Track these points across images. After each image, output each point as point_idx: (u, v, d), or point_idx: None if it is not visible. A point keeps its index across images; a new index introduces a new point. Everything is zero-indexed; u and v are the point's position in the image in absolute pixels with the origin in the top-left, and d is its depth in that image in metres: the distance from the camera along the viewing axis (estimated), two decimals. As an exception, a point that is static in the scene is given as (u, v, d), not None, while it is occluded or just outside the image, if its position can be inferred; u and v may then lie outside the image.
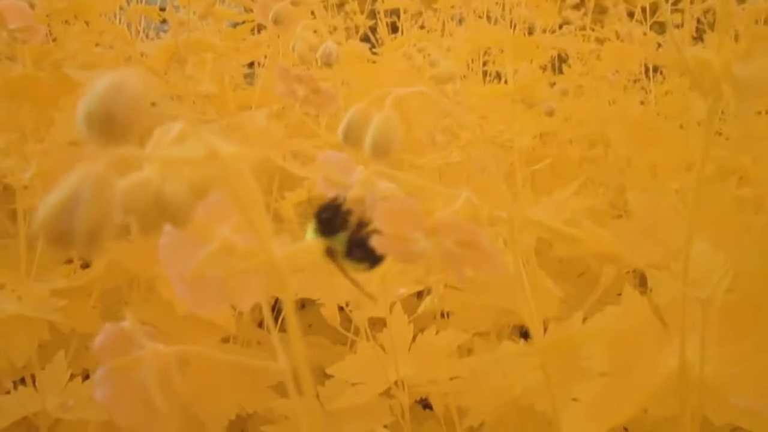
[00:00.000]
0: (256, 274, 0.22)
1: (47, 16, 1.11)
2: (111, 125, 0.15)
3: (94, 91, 0.15)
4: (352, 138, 0.27)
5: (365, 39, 1.66)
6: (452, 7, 1.26)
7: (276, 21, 0.49)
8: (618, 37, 1.14)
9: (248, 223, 0.20)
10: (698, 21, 1.25)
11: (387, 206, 0.27)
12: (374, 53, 1.48)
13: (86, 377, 0.72)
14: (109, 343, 0.22)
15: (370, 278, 0.62)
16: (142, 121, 0.15)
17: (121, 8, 1.16)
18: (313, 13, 1.43)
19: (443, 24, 1.27)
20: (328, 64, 0.46)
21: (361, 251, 0.29)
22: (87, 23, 1.17)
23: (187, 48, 0.75)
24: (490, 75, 1.40)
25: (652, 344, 0.36)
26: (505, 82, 0.97)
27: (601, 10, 1.57)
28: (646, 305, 0.38)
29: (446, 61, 0.74)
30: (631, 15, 1.44)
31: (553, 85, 1.25)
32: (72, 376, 0.65)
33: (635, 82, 1.42)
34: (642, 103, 1.26)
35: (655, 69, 1.40)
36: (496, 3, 1.15)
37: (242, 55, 0.98)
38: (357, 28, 1.61)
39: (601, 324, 0.39)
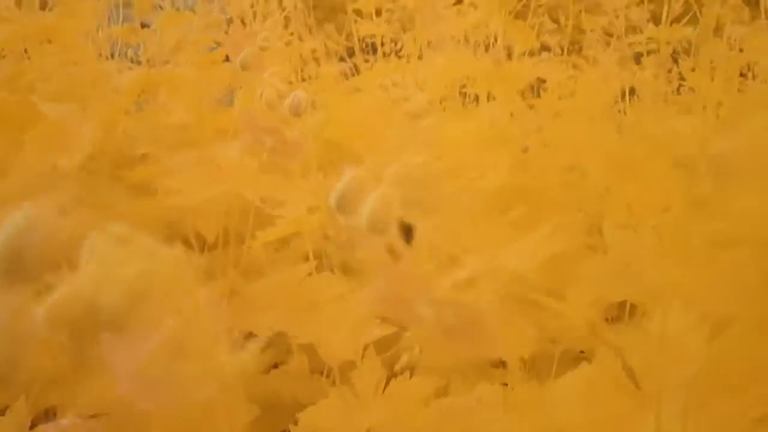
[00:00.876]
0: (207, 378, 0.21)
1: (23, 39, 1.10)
2: (19, 266, 0.13)
3: (2, 230, 0.13)
4: (345, 208, 0.27)
5: (344, 60, 1.66)
6: (429, 31, 1.26)
7: (244, 67, 0.48)
8: (594, 64, 1.14)
9: (191, 329, 0.19)
10: (673, 50, 1.26)
11: (392, 271, 0.27)
12: (352, 75, 1.48)
13: (53, 415, 0.69)
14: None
15: (342, 321, 0.61)
16: (54, 257, 0.14)
17: (89, 33, 1.14)
18: (293, 33, 1.43)
19: (420, 49, 1.26)
20: (297, 114, 0.44)
21: None
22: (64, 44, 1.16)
23: (158, 80, 0.73)
24: (468, 97, 1.40)
25: (626, 409, 0.36)
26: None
27: (580, 31, 1.59)
28: (620, 367, 0.37)
29: (420, 95, 0.73)
30: (609, 35, 1.45)
31: (531, 107, 1.26)
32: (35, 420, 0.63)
33: (614, 104, 1.42)
34: (619, 127, 1.26)
35: (632, 92, 1.40)
36: (475, 27, 1.15)
37: (215, 85, 0.96)
38: (336, 51, 1.61)
39: (574, 384, 0.39)
